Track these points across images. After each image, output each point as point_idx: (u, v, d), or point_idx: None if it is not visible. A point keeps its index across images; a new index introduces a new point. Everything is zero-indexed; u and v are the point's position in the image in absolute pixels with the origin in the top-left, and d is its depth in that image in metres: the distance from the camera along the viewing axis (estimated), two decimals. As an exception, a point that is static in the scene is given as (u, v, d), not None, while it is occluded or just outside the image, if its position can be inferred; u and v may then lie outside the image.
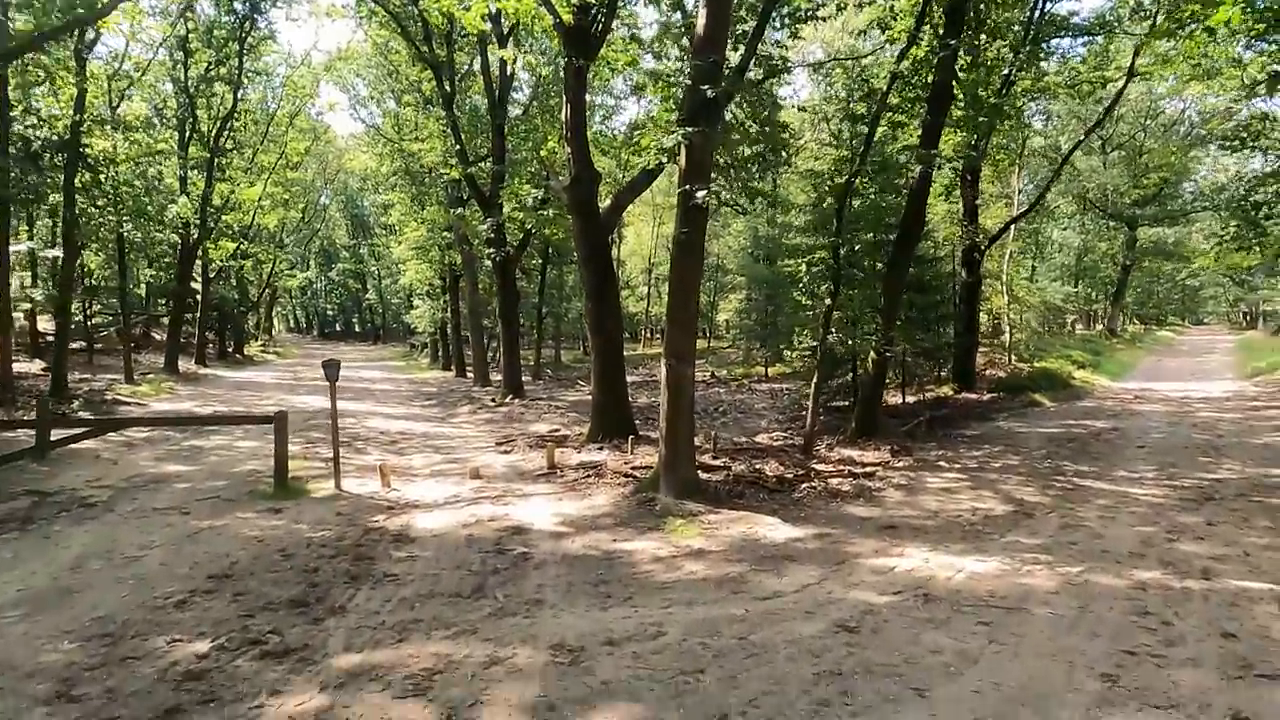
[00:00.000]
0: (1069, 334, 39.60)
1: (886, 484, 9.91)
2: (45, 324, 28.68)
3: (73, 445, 12.90)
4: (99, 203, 21.26)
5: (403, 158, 29.28)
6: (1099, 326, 47.20)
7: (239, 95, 30.11)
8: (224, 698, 4.54)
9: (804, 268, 11.78)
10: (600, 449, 12.75)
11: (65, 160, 19.37)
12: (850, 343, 12.31)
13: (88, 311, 31.45)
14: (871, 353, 13.21)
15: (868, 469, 10.72)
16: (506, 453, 13.10)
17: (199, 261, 32.74)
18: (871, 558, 6.94)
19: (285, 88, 35.93)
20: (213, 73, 28.74)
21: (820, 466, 10.88)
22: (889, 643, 5.00)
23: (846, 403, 19.86)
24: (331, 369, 10.40)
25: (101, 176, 21.33)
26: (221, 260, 34.44)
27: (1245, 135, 17.44)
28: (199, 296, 33.89)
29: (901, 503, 8.96)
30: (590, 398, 21.79)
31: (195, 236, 29.73)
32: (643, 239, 49.75)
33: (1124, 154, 36.52)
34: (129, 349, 25.70)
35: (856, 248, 12.14)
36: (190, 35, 27.72)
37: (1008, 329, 25.58)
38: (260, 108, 35.71)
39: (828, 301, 11.73)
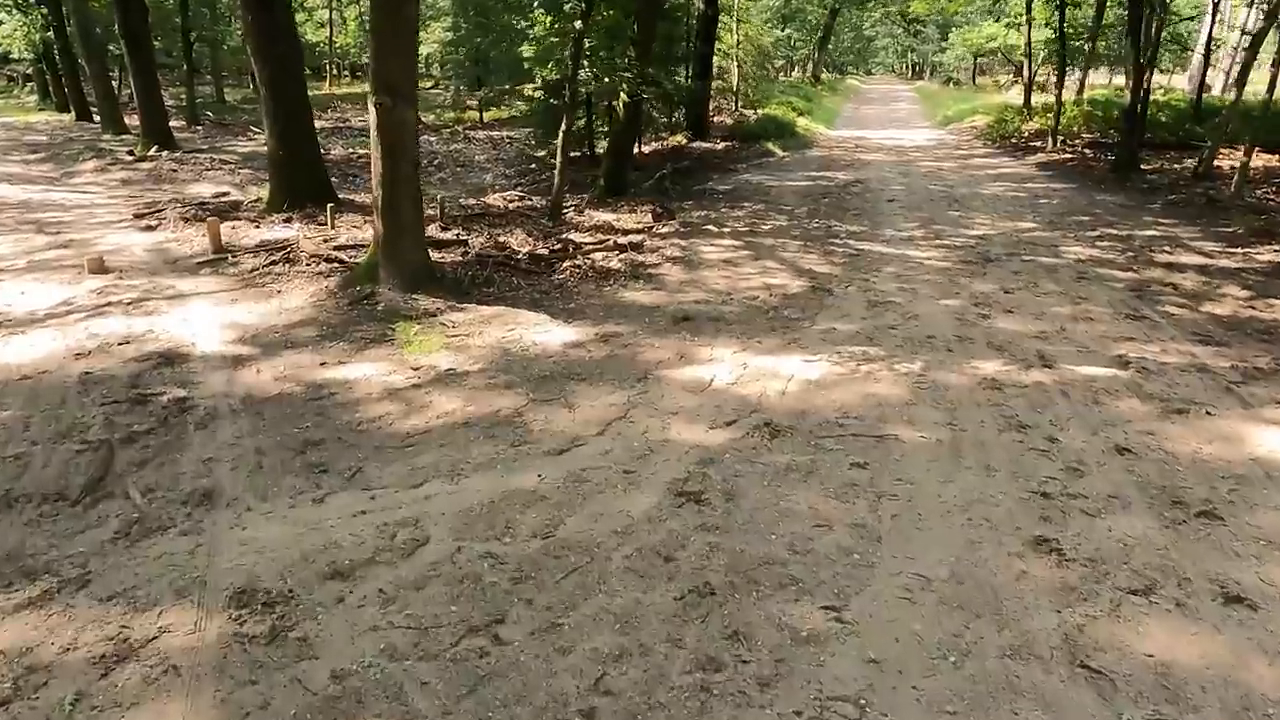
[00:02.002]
0: (775, 80, 39.97)
1: (660, 257, 8.35)
2: None
3: None
4: None
5: None
6: (796, 73, 48.39)
7: None
8: None
9: (548, -24, 9.02)
10: (288, 221, 9.68)
11: None
12: (606, 79, 10.05)
13: None
14: (623, 94, 11.08)
15: (631, 237, 9.07)
16: (150, 229, 9.54)
17: None
18: (678, 366, 5.41)
19: None
20: None
21: (578, 237, 9.02)
22: (756, 518, 3.55)
23: (578, 153, 17.93)
24: None
25: None
26: None
27: None
28: None
29: (686, 283, 7.48)
30: (266, 151, 17.50)
31: None
32: (318, -54, 40.54)
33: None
34: None
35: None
36: None
37: (735, 73, 24.48)
38: None
39: (578, 24, 9.19)
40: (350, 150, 18.06)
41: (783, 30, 45.30)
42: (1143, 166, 13.85)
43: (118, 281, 7.33)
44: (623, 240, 8.79)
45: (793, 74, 50.42)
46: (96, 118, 21.69)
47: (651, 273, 7.79)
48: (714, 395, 4.93)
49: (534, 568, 3.20)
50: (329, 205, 9.28)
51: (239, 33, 32.85)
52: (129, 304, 6.68)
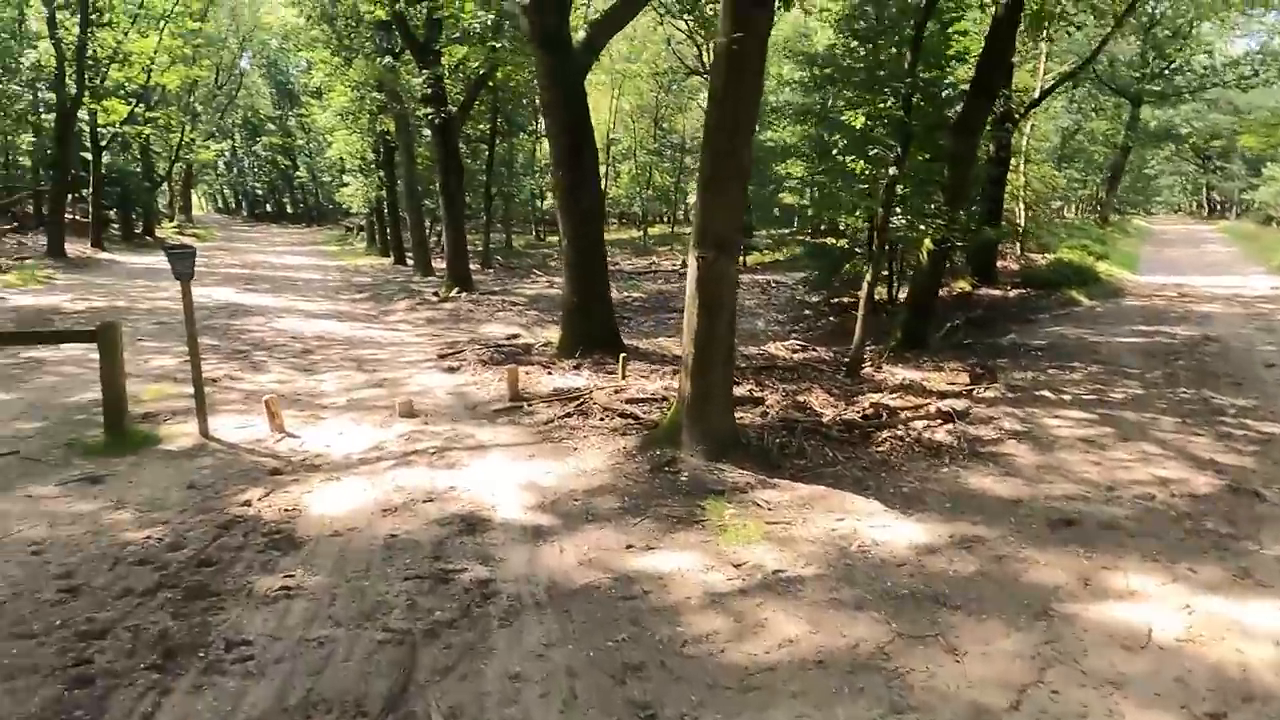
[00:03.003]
0: (1058, 222, 37.02)
1: (996, 430, 7.02)
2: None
3: None
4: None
5: (321, 1, 24.01)
6: (1071, 214, 44.65)
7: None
8: None
9: (861, 121, 8.46)
10: (577, 368, 9.60)
11: None
12: (921, 226, 9.18)
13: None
14: (927, 241, 10.12)
15: (950, 402, 7.81)
16: (452, 370, 9.87)
17: (85, 127, 27.53)
18: (1086, 600, 4.05)
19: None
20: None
21: (887, 399, 7.93)
22: None
23: (851, 298, 17.16)
24: (182, 262, 6.90)
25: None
26: (114, 125, 29.09)
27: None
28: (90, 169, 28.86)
29: (1043, 468, 6.09)
30: (553, 292, 18.51)
31: (73, 95, 24.49)
32: (600, 111, 45.00)
33: (1139, 20, 32.85)
34: (-9, 229, 21.31)
35: (921, 100, 8.77)
36: None
37: (1022, 214, 22.70)
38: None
39: (892, 170, 8.50)
40: (624, 295, 18.61)
41: (1060, 170, 42.58)
42: None
43: (423, 427, 7.36)
44: (944, 406, 7.56)
45: (1068, 215, 46.84)
46: (410, 261, 24.57)
47: (993, 451, 6.47)
48: (1164, 658, 3.51)
49: None
50: (621, 355, 9.04)
51: (529, 188, 36.72)
52: (433, 454, 6.57)
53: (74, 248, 26.23)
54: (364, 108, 25.33)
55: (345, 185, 35.14)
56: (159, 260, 27.64)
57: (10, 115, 25.78)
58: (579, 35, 10.47)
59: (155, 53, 29.53)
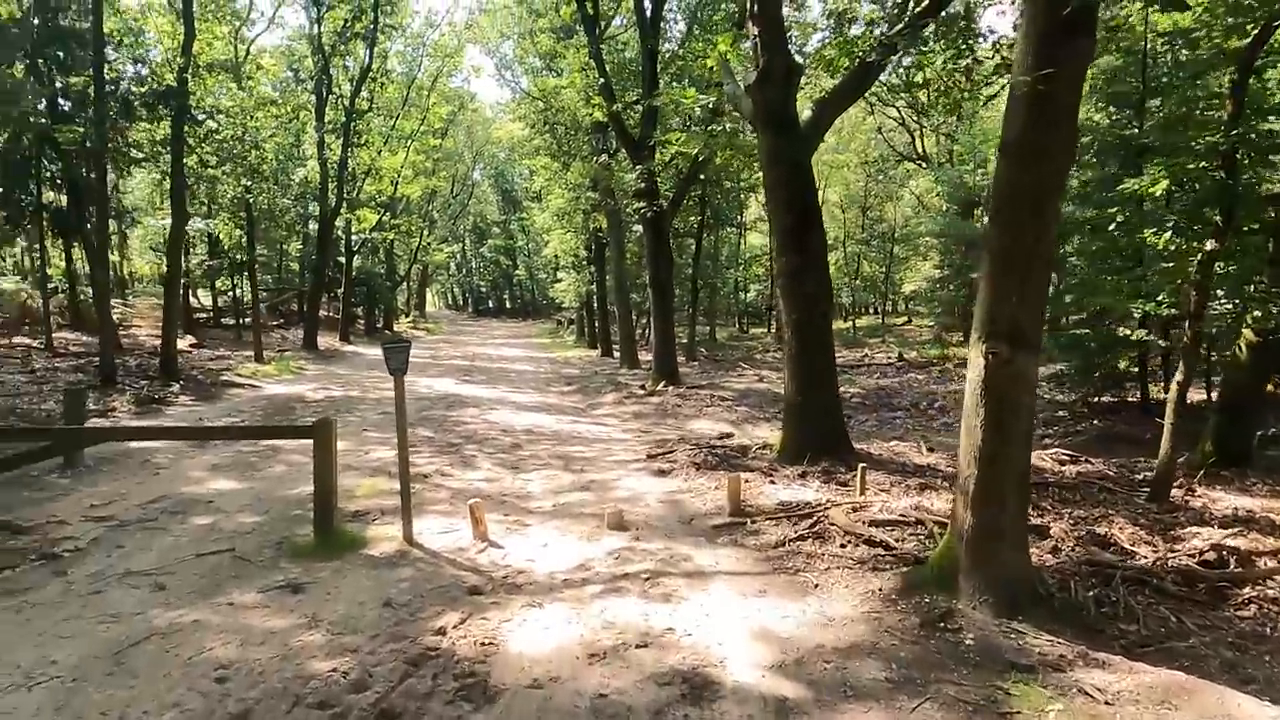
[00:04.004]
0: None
1: None
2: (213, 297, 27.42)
3: (123, 444, 10.25)
4: (210, 161, 18.94)
5: (544, 112, 25.48)
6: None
7: (374, 51, 27.68)
8: None
9: (1163, 187, 6.78)
10: (803, 477, 8.38)
11: (173, 111, 16.98)
12: (1258, 312, 7.23)
13: (237, 286, 30.57)
14: (1247, 330, 8.06)
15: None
16: (662, 474, 9.00)
17: (341, 234, 31.00)
18: None
19: (426, 49, 33.63)
20: (348, 30, 26.23)
21: (1234, 541, 6.01)
22: None
23: (1113, 398, 14.82)
24: (397, 356, 6.64)
25: (217, 134, 19.05)
26: (365, 232, 32.53)
27: None
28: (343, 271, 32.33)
29: None
30: (762, 387, 17.50)
31: (333, 205, 27.64)
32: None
33: None
34: (258, 326, 23.94)
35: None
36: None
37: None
38: (400, 68, 33.35)
39: (1210, 244, 6.76)
40: (840, 389, 17.16)
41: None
42: None
43: (634, 543, 6.47)
44: (1320, 553, 5.56)
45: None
46: (616, 354, 24.65)
47: None
48: None
49: None
50: (861, 466, 7.73)
51: (733, 279, 36.44)
52: (646, 579, 5.62)
53: (324, 340, 29.04)
54: (578, 207, 26.37)
55: (559, 281, 36.85)
56: (392, 352, 29.60)
57: (282, 225, 29.31)
58: (803, 115, 9.68)
59: (402, 167, 33.00)
